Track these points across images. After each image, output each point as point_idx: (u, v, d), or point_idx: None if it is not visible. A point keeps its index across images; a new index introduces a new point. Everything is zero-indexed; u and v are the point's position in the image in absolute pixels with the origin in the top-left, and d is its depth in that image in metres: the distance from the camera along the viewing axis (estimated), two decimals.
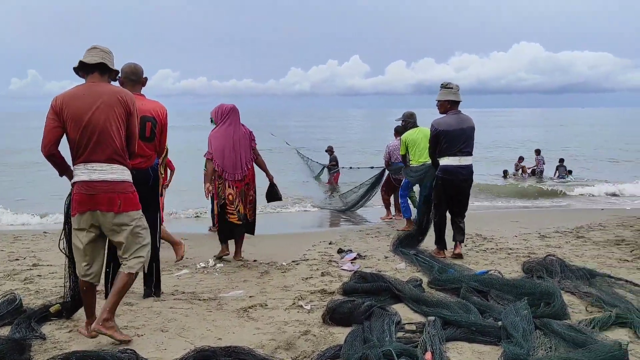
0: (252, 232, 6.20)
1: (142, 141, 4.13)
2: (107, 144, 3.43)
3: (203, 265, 5.82)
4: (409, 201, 8.60)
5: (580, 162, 22.49)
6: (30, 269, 5.66)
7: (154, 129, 4.31)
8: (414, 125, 8.08)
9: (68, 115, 3.40)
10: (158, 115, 4.35)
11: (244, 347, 3.16)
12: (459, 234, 6.09)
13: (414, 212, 7.98)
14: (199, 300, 4.50)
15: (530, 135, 43.35)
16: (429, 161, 7.63)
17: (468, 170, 5.95)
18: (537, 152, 18.81)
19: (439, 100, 6.06)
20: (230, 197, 5.92)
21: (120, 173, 3.47)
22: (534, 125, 66.24)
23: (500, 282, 4.39)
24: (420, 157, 7.79)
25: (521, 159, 18.70)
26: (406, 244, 6.48)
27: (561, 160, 18.07)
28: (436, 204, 6.10)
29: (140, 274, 4.54)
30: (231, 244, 6.15)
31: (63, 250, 3.81)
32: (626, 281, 4.71)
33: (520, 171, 18.14)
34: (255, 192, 6.17)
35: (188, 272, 5.54)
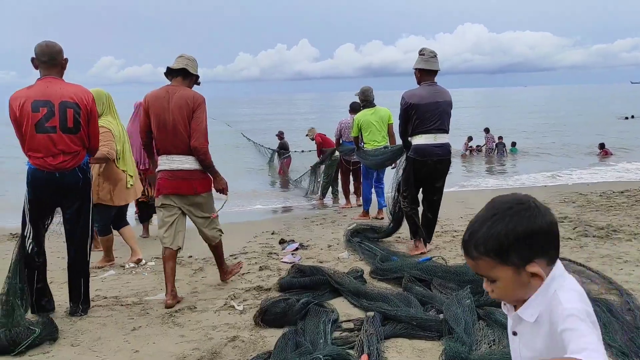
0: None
1: (63, 133, 3.61)
2: (180, 140, 4.04)
3: (132, 264, 5.40)
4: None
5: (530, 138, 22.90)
6: None
7: (78, 118, 3.66)
8: (370, 103, 7.35)
9: (151, 113, 4.06)
10: (82, 100, 3.70)
11: None
12: (427, 231, 5.37)
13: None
14: (121, 305, 4.11)
15: (478, 115, 44.15)
16: (386, 144, 7.12)
17: (444, 150, 5.13)
18: (487, 130, 18.94)
19: (414, 69, 5.26)
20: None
21: (193, 163, 4.10)
22: (481, 106, 67.62)
23: (443, 270, 4.19)
24: (375, 140, 7.17)
25: (470, 138, 18.80)
26: (364, 236, 5.88)
27: (500, 138, 18.37)
28: (405, 190, 5.28)
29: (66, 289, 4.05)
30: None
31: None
32: (570, 261, 4.60)
33: (468, 151, 18.26)
34: None
35: (115, 274, 5.11)
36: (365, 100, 7.42)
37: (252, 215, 9.23)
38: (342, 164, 8.75)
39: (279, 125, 22.10)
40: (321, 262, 5.22)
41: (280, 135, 14.84)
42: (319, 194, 10.08)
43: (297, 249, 5.89)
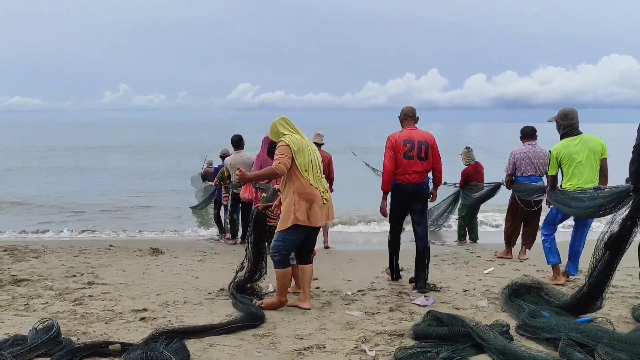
0: None
1: (418, 160, 5.49)
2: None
3: (271, 289, 5.37)
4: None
5: None
6: (84, 288, 5.42)
7: (427, 151, 5.50)
8: (575, 130, 5.58)
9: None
10: (430, 140, 5.55)
11: None
12: None
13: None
14: (252, 335, 4.01)
15: (624, 155, 40.12)
16: (594, 185, 5.39)
17: None
18: None
19: None
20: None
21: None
22: (628, 144, 61.61)
23: (610, 336, 3.57)
24: (579, 179, 5.46)
25: None
26: (526, 296, 4.75)
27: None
28: None
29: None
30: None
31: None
32: None
33: None
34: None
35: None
36: (569, 126, 5.59)
37: (380, 245, 8.93)
38: (518, 204, 7.18)
39: None
40: (457, 309, 4.80)
41: None
42: (457, 237, 9.18)
43: (430, 290, 5.50)
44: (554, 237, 5.88)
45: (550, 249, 5.86)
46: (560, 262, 5.85)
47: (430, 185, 5.69)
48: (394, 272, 5.94)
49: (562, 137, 5.65)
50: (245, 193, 6.96)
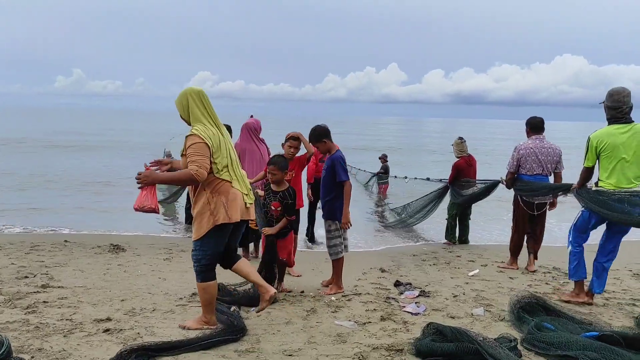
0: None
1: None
2: None
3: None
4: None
5: None
6: (38, 292, 4.82)
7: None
8: (623, 117, 4.54)
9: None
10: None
11: None
12: None
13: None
14: (234, 351, 3.57)
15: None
16: (638, 187, 4.51)
17: None
18: None
19: None
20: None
21: None
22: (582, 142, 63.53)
23: (630, 357, 3.29)
24: (621, 177, 4.52)
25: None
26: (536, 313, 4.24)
27: None
28: None
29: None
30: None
31: None
32: None
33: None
34: None
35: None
36: (615, 109, 4.55)
37: (353, 246, 8.53)
38: (520, 206, 6.32)
39: (383, 149, 21.04)
40: (452, 318, 4.48)
41: (383, 158, 14.16)
42: (445, 236, 8.45)
43: (418, 295, 5.17)
44: (583, 249, 4.95)
45: (578, 264, 4.91)
46: (586, 278, 4.99)
47: None
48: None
49: (610, 123, 4.62)
50: (146, 200, 4.85)
